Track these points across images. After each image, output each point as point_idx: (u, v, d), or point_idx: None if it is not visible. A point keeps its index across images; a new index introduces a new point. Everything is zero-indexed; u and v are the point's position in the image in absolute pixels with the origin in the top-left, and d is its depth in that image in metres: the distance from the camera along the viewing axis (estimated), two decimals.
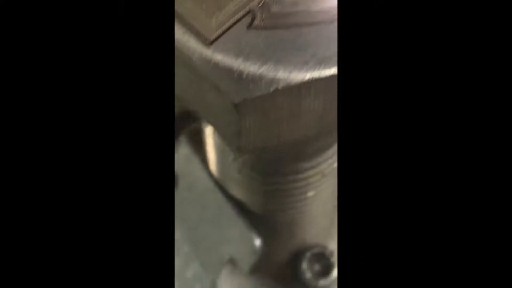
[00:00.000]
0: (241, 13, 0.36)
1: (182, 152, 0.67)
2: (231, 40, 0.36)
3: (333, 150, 0.54)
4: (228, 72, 0.36)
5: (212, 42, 0.36)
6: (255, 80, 0.35)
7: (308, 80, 0.35)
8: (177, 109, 0.42)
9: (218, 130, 0.42)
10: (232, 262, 0.63)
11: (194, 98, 0.40)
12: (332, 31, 0.37)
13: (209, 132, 0.58)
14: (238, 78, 0.35)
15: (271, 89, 0.35)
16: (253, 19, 0.36)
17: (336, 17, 0.37)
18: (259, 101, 0.35)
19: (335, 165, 0.55)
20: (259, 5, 0.36)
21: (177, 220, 0.64)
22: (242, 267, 0.63)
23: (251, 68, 0.35)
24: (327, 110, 0.39)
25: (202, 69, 0.36)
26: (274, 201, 0.58)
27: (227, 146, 0.51)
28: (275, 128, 0.39)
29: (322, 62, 0.36)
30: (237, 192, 0.60)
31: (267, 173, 0.54)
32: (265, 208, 0.60)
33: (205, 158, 0.63)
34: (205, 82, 0.37)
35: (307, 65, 0.35)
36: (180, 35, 0.37)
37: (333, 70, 0.35)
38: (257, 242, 0.60)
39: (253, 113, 0.36)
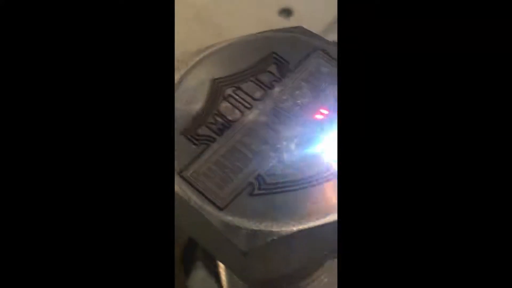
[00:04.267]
0: (243, 185, 0.51)
1: (199, 275, 0.78)
2: (238, 206, 0.50)
3: (321, 270, 0.66)
4: (236, 229, 0.49)
5: (223, 208, 0.49)
6: (256, 234, 0.49)
7: (296, 231, 0.49)
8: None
9: (231, 270, 0.54)
10: None
11: (212, 247, 0.53)
12: (316, 191, 0.51)
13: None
14: (244, 233, 0.49)
15: (269, 240, 0.49)
16: (253, 189, 0.50)
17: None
18: (261, 249, 0.48)
19: (326, 280, 0.67)
20: (256, 178, 0.51)
21: None
22: None
23: (253, 225, 0.49)
24: (311, 250, 0.52)
25: (218, 227, 0.50)
26: None
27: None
28: (274, 266, 0.52)
29: (304, 217, 0.49)
30: None
31: None
32: None
33: (219, 280, 0.75)
34: (220, 236, 0.50)
35: (294, 220, 0.49)
36: (200, 203, 0.50)
37: (312, 224, 0.49)
38: None
39: (257, 258, 0.49)
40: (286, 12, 0.89)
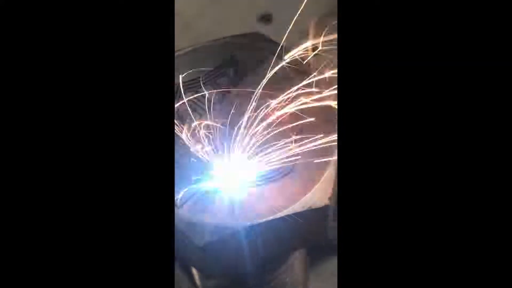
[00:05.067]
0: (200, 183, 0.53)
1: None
2: (195, 203, 0.53)
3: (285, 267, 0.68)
4: (193, 225, 0.52)
5: (181, 206, 0.52)
6: (212, 230, 0.51)
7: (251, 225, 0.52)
8: None
9: (191, 265, 0.57)
10: None
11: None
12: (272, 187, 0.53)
13: None
14: (201, 229, 0.51)
15: (224, 235, 0.51)
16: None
17: None
18: (216, 244, 0.51)
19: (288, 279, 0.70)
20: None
21: None
22: None
23: (209, 221, 0.52)
24: (268, 244, 0.55)
25: (176, 223, 0.52)
26: None
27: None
28: (230, 262, 0.55)
29: (260, 213, 0.52)
30: None
31: None
32: None
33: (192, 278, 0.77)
34: (178, 232, 0.52)
35: (249, 216, 0.52)
36: None
37: (265, 219, 0.52)
38: None
39: (213, 253, 0.52)
40: (266, 18, 0.92)
